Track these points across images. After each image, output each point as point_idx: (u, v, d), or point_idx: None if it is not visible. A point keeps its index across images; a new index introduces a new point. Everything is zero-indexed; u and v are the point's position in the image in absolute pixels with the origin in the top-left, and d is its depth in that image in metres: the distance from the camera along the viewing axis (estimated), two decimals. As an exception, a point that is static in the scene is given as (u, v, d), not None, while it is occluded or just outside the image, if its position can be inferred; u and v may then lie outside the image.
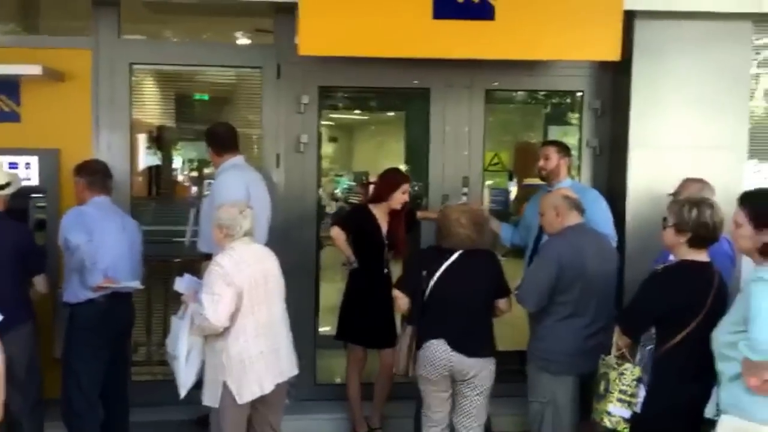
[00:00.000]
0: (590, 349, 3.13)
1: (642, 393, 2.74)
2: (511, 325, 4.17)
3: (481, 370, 3.23)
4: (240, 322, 3.06)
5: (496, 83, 4.61)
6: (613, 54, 3.96)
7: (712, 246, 2.81)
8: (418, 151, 4.95)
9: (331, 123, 10.78)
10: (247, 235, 3.18)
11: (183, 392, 3.20)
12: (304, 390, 4.30)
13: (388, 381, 4.09)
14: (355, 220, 4.13)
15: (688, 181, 3.64)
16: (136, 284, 3.61)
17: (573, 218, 3.30)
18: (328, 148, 11.41)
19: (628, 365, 2.78)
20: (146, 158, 4.80)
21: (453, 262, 3.28)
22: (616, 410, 2.77)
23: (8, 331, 2.89)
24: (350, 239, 4.08)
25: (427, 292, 3.28)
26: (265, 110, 4.34)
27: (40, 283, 3.53)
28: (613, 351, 2.85)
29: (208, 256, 3.29)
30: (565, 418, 3.22)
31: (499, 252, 5.49)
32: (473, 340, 3.23)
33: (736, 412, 2.37)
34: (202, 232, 3.83)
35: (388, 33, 3.82)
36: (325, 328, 5.20)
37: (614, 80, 4.47)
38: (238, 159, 3.85)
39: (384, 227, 4.07)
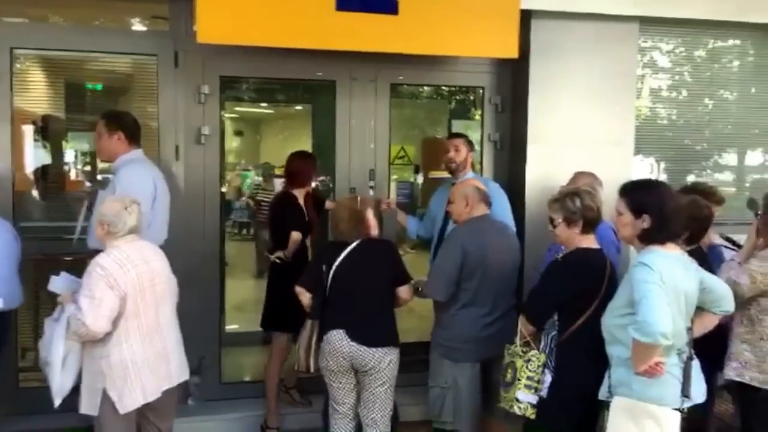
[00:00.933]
0: (490, 336, 3.23)
1: (547, 378, 2.83)
2: (418, 316, 4.24)
3: (382, 360, 3.21)
4: (123, 326, 2.86)
5: (400, 77, 4.65)
6: (511, 51, 4.11)
7: (599, 236, 2.97)
8: (325, 145, 4.92)
9: (236, 116, 10.52)
10: (132, 233, 2.98)
11: (58, 401, 2.95)
12: (209, 389, 4.17)
13: None
14: (297, 211, 4.10)
15: (579, 175, 3.82)
16: None
17: (480, 210, 3.40)
18: (233, 142, 11.12)
19: (533, 352, 2.86)
20: (32, 150, 4.47)
21: (349, 254, 3.28)
22: (524, 397, 2.84)
23: None
24: (277, 227, 4.10)
25: (328, 285, 3.26)
26: (163, 100, 4.15)
27: None
28: (518, 339, 2.92)
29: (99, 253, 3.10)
30: (466, 402, 3.30)
31: (407, 245, 5.58)
32: (373, 330, 3.23)
33: (626, 392, 2.50)
34: (92, 227, 3.61)
35: (290, 23, 3.77)
36: (232, 326, 5.09)
37: (513, 77, 4.61)
38: (137, 152, 3.67)
39: (305, 212, 4.12)
